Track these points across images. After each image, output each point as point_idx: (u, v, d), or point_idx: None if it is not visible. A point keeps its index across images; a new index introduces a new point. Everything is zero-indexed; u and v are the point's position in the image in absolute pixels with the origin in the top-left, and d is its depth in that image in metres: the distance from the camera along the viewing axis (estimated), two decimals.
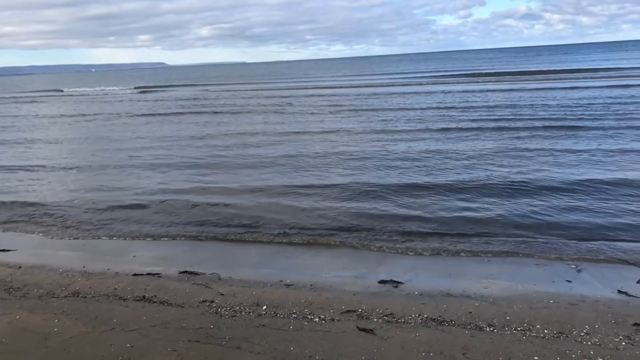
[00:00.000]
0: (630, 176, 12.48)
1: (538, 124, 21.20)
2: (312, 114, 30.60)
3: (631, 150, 15.34)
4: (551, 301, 6.68)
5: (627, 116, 21.94)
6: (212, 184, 14.06)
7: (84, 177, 15.85)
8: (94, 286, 7.54)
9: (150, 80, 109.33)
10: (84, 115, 38.12)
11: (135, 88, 78.90)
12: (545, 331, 5.82)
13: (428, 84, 53.27)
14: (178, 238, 10.05)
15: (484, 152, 16.19)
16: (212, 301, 6.91)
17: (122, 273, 8.16)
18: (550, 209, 10.56)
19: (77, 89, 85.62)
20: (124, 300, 7.02)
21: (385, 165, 15.24)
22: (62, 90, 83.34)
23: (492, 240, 9.18)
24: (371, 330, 5.92)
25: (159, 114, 35.40)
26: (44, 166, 17.95)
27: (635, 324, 5.90)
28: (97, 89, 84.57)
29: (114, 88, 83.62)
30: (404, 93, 42.10)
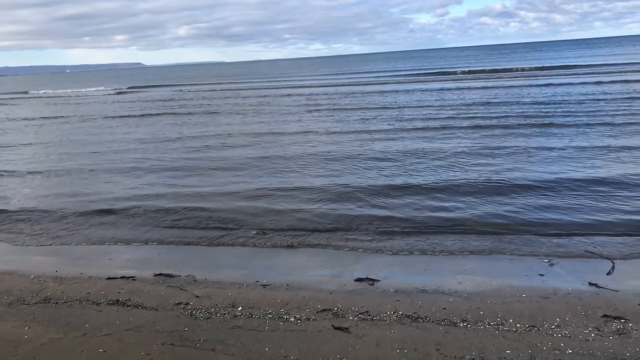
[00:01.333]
0: (601, 173, 12.68)
1: (513, 121, 21.50)
2: (290, 113, 30.54)
3: (603, 147, 15.62)
4: (524, 295, 6.78)
5: (599, 112, 22.36)
6: (188, 187, 13.86)
7: (57, 182, 15.50)
8: (67, 291, 7.41)
9: (128, 81, 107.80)
10: (57, 117, 37.43)
11: (113, 89, 77.78)
12: (518, 325, 5.90)
13: (406, 82, 53.61)
14: (152, 242, 9.89)
15: (459, 151, 16.33)
16: (187, 303, 6.85)
17: (96, 277, 8.04)
18: (524, 206, 10.68)
19: (48, 91, 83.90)
20: (97, 304, 6.92)
21: (362, 165, 15.24)
22: (27, 93, 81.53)
23: (467, 237, 9.26)
24: (346, 328, 5.93)
25: (135, 116, 34.95)
26: (14, 171, 17.51)
27: (605, 316, 6.03)
28: (68, 90, 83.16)
29: (89, 89, 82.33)
30: (382, 92, 42.32)
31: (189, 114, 34.03)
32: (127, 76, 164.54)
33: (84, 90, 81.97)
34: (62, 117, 37.47)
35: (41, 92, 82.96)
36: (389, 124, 23.30)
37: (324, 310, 6.51)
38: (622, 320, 5.87)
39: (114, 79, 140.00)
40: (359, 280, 7.63)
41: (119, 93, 67.41)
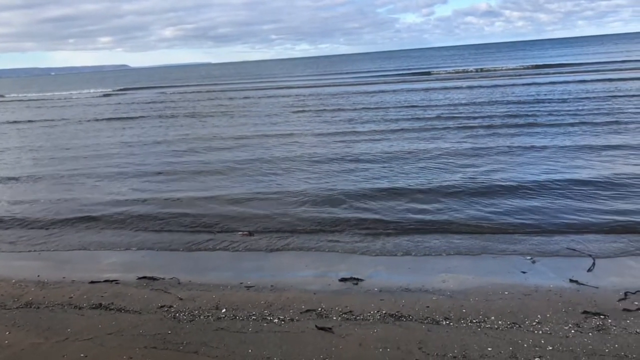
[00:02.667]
0: (584, 173, 12.66)
1: (497, 121, 21.61)
2: (276, 115, 30.50)
3: (585, 146, 15.70)
4: (506, 292, 6.84)
5: (582, 111, 22.57)
6: (173, 191, 13.56)
7: (40, 188, 15.09)
8: (48, 296, 7.34)
9: (113, 84, 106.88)
10: (44, 120, 37.02)
11: (99, 92, 77.09)
12: (500, 322, 5.96)
13: (392, 82, 53.81)
14: (137, 247, 9.71)
15: (444, 152, 16.31)
16: (171, 306, 6.82)
17: (79, 281, 7.97)
18: (508, 207, 10.67)
19: (31, 94, 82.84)
20: (80, 308, 6.85)
21: (348, 167, 15.10)
22: (4, 96, 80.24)
23: (451, 237, 9.28)
24: (330, 328, 5.94)
25: (120, 118, 34.62)
26: None
27: (585, 312, 6.10)
28: (48, 93, 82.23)
29: (73, 92, 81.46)
30: (369, 92, 42.45)
31: (175, 116, 33.78)
32: (113, 78, 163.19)
33: (65, 93, 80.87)
34: (46, 120, 37.06)
35: (20, 95, 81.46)
36: (375, 125, 23.35)
37: (307, 310, 6.51)
38: (601, 317, 5.95)
39: (100, 81, 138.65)
40: (343, 280, 7.65)
41: (104, 95, 66.76)
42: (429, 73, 64.25)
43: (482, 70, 62.28)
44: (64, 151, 21.83)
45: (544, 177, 12.60)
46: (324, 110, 30.94)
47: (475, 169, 13.84)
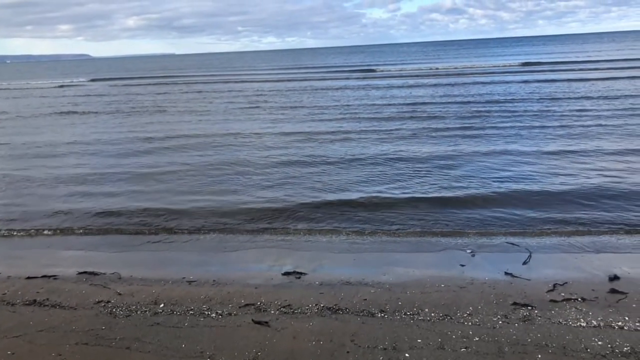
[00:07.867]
0: (530, 181, 12.69)
1: (451, 123, 21.60)
2: (232, 112, 29.84)
3: (532, 152, 15.60)
4: (442, 285, 7.01)
5: (533, 113, 22.97)
6: (118, 195, 13.04)
7: None
8: None
9: (72, 74, 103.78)
10: None
11: (56, 82, 74.75)
12: (432, 314, 6.11)
13: (357, 78, 54.06)
14: (77, 247, 9.47)
15: (398, 156, 16.02)
16: (108, 301, 6.73)
17: (15, 277, 7.78)
18: (455, 211, 10.72)
19: None
20: (12, 305, 6.69)
21: (300, 170, 14.83)
22: None
23: (397, 236, 9.43)
24: (266, 322, 5.98)
25: (74, 112, 33.53)
26: None
27: (514, 303, 6.32)
28: (2, 83, 79.32)
29: (29, 82, 78.77)
30: (330, 87, 42.54)
31: (126, 112, 32.12)
32: (72, 68, 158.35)
33: (20, 82, 78.06)
34: None
35: None
36: (332, 124, 22.96)
37: (247, 305, 6.53)
38: (529, 308, 6.18)
39: (58, 71, 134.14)
40: (286, 274, 7.69)
41: (60, 87, 64.64)
42: (396, 69, 64.83)
43: (442, 69, 63.30)
44: (8, 149, 20.78)
45: (495, 184, 12.52)
46: (282, 107, 30.59)
47: (427, 174, 13.72)
